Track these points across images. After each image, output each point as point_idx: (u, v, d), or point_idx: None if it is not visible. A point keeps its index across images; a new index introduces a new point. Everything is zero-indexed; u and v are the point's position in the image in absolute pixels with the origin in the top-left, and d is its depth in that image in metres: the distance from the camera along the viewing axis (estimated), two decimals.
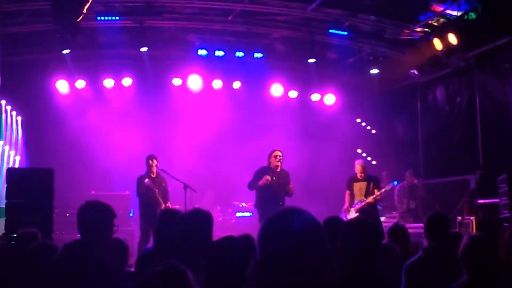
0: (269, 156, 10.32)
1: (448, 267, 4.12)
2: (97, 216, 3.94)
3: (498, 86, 11.49)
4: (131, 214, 12.34)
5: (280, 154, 10.24)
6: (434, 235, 5.04)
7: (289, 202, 10.52)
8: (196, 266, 3.09)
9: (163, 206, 10.34)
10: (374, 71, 13.72)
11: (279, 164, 10.18)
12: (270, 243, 2.01)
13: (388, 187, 10.91)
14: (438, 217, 5.23)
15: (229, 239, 3.65)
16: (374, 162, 14.46)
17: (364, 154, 14.10)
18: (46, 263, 3.86)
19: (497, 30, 10.55)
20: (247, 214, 13.21)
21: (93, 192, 11.95)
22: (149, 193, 10.39)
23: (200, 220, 4.10)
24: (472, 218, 9.88)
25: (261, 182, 10.00)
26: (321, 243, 2.01)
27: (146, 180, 10.39)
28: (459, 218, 9.89)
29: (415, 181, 12.61)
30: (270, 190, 10.09)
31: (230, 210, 13.33)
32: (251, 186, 10.29)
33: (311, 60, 12.93)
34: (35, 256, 4.32)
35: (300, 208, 2.08)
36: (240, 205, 13.36)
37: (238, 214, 13.35)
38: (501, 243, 4.66)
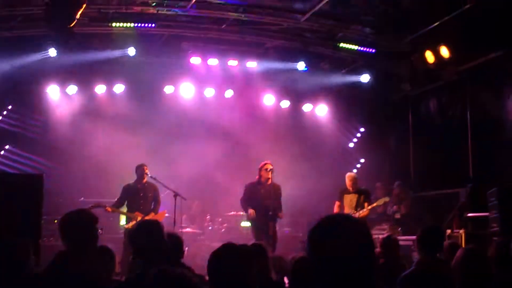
0: (260, 169, 10.35)
1: (441, 280, 4.10)
2: (79, 225, 3.90)
3: (490, 100, 11.52)
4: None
5: (271, 167, 10.25)
6: (427, 248, 5.00)
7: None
8: None
9: (138, 218, 10.23)
10: (366, 82, 13.74)
11: (270, 177, 10.19)
12: (318, 246, 2.10)
13: (379, 202, 10.91)
14: (432, 230, 5.20)
15: (229, 247, 3.64)
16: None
17: (354, 170, 14.04)
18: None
19: (490, 44, 10.61)
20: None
21: (82, 198, 11.87)
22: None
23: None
24: (461, 231, 9.87)
25: (249, 217, 10.28)
26: (368, 251, 2.09)
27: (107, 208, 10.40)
28: (449, 231, 9.88)
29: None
30: (260, 204, 10.12)
31: (220, 219, 13.26)
32: (242, 205, 10.44)
33: (301, 68, 12.93)
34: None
35: (352, 217, 2.19)
36: (230, 214, 13.29)
37: (227, 224, 13.28)
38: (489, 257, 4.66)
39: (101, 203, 10.32)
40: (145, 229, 4.25)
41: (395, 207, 12.30)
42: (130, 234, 4.26)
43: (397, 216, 12.22)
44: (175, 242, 4.96)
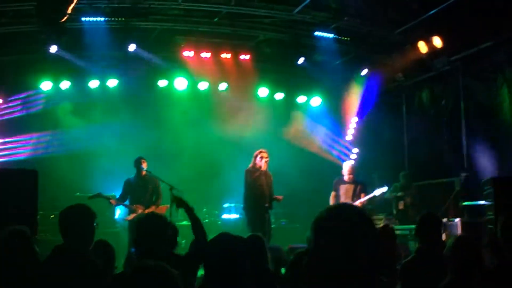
0: (255, 156, 10.34)
1: (442, 267, 4.13)
2: (79, 220, 3.92)
3: (483, 90, 11.57)
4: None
5: (266, 155, 10.26)
6: (425, 236, 5.04)
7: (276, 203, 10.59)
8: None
9: (139, 211, 10.29)
10: (360, 73, 13.77)
11: (264, 165, 10.20)
12: (321, 235, 2.11)
13: (377, 192, 10.89)
14: (429, 218, 5.22)
15: (225, 236, 3.68)
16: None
17: (352, 161, 14.07)
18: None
19: (482, 34, 10.64)
20: (233, 216, 13.19)
21: (78, 193, 11.87)
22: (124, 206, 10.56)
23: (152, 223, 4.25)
24: (457, 220, 9.94)
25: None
26: (369, 241, 2.08)
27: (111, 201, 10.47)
28: (444, 220, 9.94)
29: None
30: (260, 191, 10.11)
31: (216, 212, 13.29)
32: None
33: (300, 61, 12.95)
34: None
35: (354, 206, 2.22)
36: (226, 207, 13.33)
37: (224, 216, 13.33)
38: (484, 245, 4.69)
39: (102, 194, 10.37)
40: (146, 222, 4.30)
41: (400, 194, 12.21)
42: (135, 225, 4.32)
43: (401, 206, 12.14)
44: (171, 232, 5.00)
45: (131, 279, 2.64)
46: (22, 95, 12.89)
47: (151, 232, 4.10)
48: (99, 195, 10.22)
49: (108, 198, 10.36)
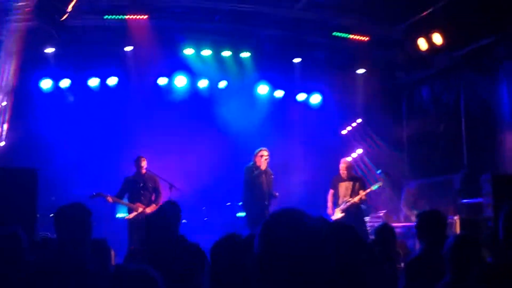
0: (255, 155, 10.32)
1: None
2: (73, 219, 3.90)
3: (484, 86, 11.55)
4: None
5: (266, 153, 10.24)
6: (428, 234, 4.90)
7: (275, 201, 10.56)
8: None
9: (139, 210, 10.29)
10: (361, 71, 13.74)
11: (264, 163, 10.18)
12: (269, 239, 2.01)
13: (373, 187, 10.94)
14: (433, 214, 5.09)
15: (230, 238, 3.70)
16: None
17: (350, 159, 14.05)
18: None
19: (483, 30, 10.62)
20: (233, 214, 13.16)
21: (77, 192, 11.84)
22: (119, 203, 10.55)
23: (164, 214, 4.25)
24: (456, 218, 9.93)
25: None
26: (319, 248, 1.99)
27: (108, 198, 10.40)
28: None
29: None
30: (259, 189, 10.09)
31: (216, 210, 13.26)
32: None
33: (296, 60, 12.92)
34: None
35: (304, 212, 2.08)
36: (226, 205, 13.30)
37: (224, 215, 13.30)
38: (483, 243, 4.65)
39: (102, 193, 10.32)
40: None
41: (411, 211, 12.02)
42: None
43: (412, 217, 11.98)
44: (174, 211, 4.99)
45: (113, 281, 2.67)
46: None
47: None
48: (99, 194, 10.22)
49: (105, 196, 10.33)
